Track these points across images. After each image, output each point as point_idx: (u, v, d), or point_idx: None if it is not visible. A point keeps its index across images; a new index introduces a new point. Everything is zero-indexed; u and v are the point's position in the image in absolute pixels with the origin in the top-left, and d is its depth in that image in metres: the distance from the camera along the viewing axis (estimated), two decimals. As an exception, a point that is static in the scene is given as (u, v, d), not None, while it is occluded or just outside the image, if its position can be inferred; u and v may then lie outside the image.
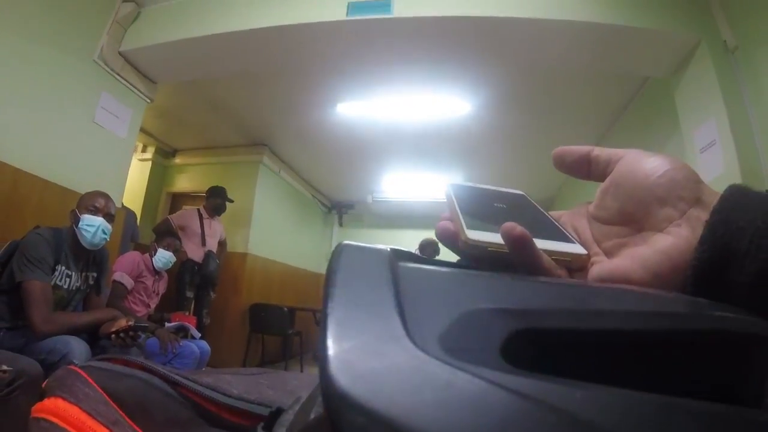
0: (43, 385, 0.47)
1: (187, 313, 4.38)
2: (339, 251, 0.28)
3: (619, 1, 3.01)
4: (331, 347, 0.19)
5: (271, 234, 6.89)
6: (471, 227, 0.38)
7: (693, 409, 0.18)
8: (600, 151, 0.43)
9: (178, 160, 6.95)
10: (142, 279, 3.64)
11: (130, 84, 3.78)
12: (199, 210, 5.31)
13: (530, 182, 7.26)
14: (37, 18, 3.00)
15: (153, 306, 3.80)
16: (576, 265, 0.38)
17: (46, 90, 3.09)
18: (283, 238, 7.41)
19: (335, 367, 0.18)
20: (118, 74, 3.64)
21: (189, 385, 0.47)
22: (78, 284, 2.53)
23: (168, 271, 3.93)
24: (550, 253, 0.37)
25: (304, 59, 3.67)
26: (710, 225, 0.32)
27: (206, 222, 5.24)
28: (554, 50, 3.28)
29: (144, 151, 6.57)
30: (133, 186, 5.75)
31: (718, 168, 2.74)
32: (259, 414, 0.45)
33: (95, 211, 2.52)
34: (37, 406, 0.44)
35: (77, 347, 2.14)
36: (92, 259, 2.64)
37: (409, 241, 8.59)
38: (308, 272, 8.46)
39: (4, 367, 1.75)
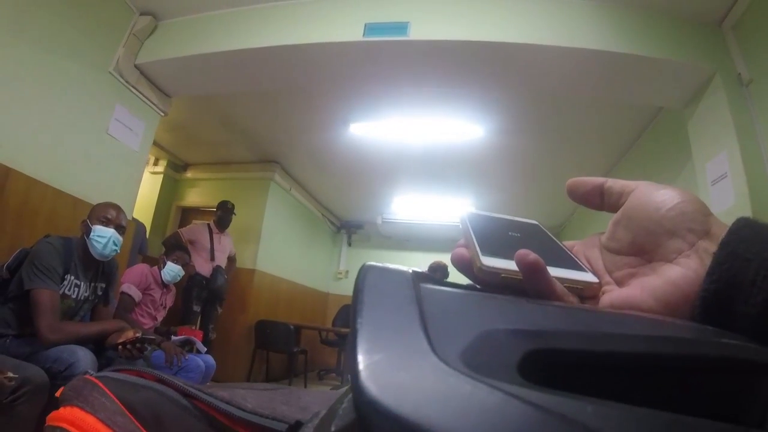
0: (58, 394, 0.47)
1: (193, 327, 4.38)
2: (365, 272, 0.29)
3: (634, 31, 3.02)
4: (362, 360, 0.20)
5: (280, 251, 6.90)
6: (486, 254, 0.39)
7: (700, 427, 0.19)
8: (613, 183, 0.44)
9: (189, 175, 7.00)
10: (150, 291, 3.65)
11: (145, 97, 3.81)
12: (209, 225, 5.34)
13: (542, 208, 7.26)
14: (54, 29, 3.04)
15: (160, 319, 3.80)
16: (588, 293, 0.39)
17: (61, 100, 3.12)
18: (292, 256, 7.42)
19: (366, 377, 0.19)
20: (133, 87, 3.67)
21: (204, 398, 0.47)
22: (86, 294, 2.53)
23: (176, 284, 3.94)
24: (562, 280, 0.38)
25: (319, 78, 3.70)
26: (718, 257, 0.33)
27: (216, 237, 5.26)
28: (568, 77, 3.29)
29: (156, 164, 6.61)
30: (143, 198, 5.78)
31: (728, 200, 2.73)
32: (273, 429, 0.45)
33: (107, 223, 2.53)
34: (53, 414, 0.44)
35: (83, 357, 2.14)
36: (101, 270, 2.64)
37: (418, 263, 8.41)
38: (315, 291, 8.47)
39: (10, 374, 1.75)
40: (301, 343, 6.34)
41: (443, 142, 5.21)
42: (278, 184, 6.76)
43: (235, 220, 5.55)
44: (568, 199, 0.49)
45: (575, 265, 0.41)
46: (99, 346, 2.40)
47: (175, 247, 4.02)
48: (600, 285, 0.40)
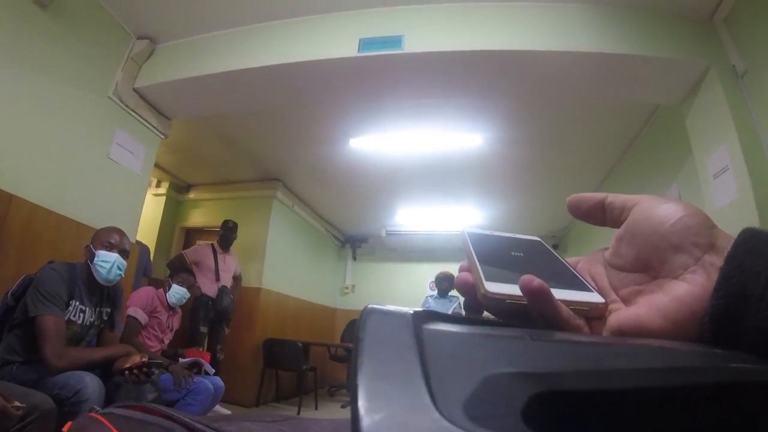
0: (65, 430, 0.47)
1: (201, 349, 4.38)
2: (365, 317, 0.29)
3: (627, 31, 3.04)
4: (364, 419, 0.19)
5: (285, 269, 6.90)
6: (489, 279, 0.38)
7: None
8: (614, 198, 0.43)
9: (191, 195, 7.03)
10: (156, 314, 3.65)
11: (145, 120, 3.84)
12: (213, 245, 5.34)
13: (543, 214, 7.25)
14: (52, 55, 3.07)
15: (167, 341, 3.79)
16: (594, 314, 0.39)
17: (61, 126, 3.14)
18: (297, 273, 7.41)
19: None
20: (133, 110, 3.70)
21: (212, 434, 0.46)
22: (92, 320, 2.53)
23: (182, 306, 3.93)
24: (568, 303, 0.37)
25: (317, 95, 3.72)
26: (725, 271, 0.32)
27: (220, 257, 5.27)
28: (563, 81, 3.30)
29: (158, 186, 6.65)
30: (147, 221, 5.80)
31: (731, 193, 2.72)
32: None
33: (110, 247, 2.53)
34: (61, 452, 0.43)
35: (91, 383, 2.13)
36: (106, 295, 2.64)
37: (423, 273, 8.60)
38: (323, 307, 8.45)
39: (17, 404, 1.74)
40: (310, 361, 6.31)
41: (443, 152, 5.22)
42: (281, 202, 6.77)
43: (239, 239, 5.56)
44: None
45: (580, 285, 0.40)
46: (106, 371, 2.40)
47: (180, 269, 4.02)
48: (606, 305, 0.39)
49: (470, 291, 0.41)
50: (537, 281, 0.35)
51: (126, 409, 0.51)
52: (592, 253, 0.46)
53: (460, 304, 5.92)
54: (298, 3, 3.37)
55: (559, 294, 0.37)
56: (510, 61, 3.15)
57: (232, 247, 5.51)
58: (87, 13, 3.25)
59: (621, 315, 0.37)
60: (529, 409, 0.21)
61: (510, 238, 0.51)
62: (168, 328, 3.77)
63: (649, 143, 4.46)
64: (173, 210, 6.86)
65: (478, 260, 0.42)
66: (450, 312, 5.73)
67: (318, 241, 8.50)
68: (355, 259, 9.74)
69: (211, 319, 5.01)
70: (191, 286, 3.91)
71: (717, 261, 0.34)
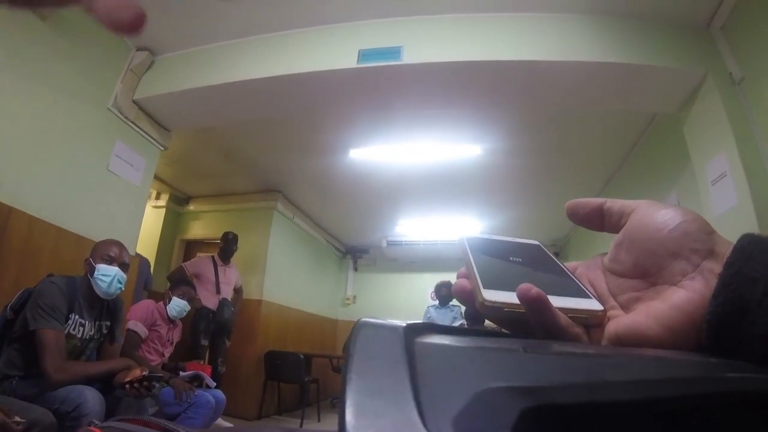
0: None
1: (201, 362, 4.36)
2: (356, 332, 0.29)
3: (624, 40, 3.05)
4: None
5: (286, 280, 6.89)
6: (487, 287, 0.38)
7: None
8: (612, 204, 0.43)
9: (192, 207, 7.04)
10: (157, 327, 3.63)
11: (144, 132, 3.85)
12: (213, 257, 5.33)
13: (543, 222, 7.25)
14: (52, 67, 3.08)
15: (167, 354, 3.77)
16: (593, 322, 0.38)
17: (61, 138, 3.15)
18: (298, 284, 7.40)
19: None
20: (133, 122, 3.71)
21: (209, 447, 0.46)
22: (92, 333, 2.52)
23: (182, 319, 3.91)
24: (566, 311, 0.37)
25: (317, 106, 3.73)
26: (723, 278, 0.32)
27: (221, 269, 5.26)
28: (562, 91, 3.32)
29: (158, 197, 6.65)
30: (146, 233, 5.80)
31: (731, 200, 2.73)
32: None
33: (110, 261, 2.53)
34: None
35: (91, 397, 2.12)
36: (106, 308, 2.63)
37: (424, 284, 8.58)
38: (324, 318, 8.44)
39: (17, 419, 1.73)
40: (312, 372, 6.29)
41: (443, 163, 5.23)
42: (281, 213, 6.78)
43: (240, 251, 5.55)
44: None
45: (579, 292, 0.40)
46: (107, 385, 2.38)
47: (180, 282, 4.01)
48: (605, 313, 0.39)
49: (468, 298, 0.40)
50: (535, 290, 0.35)
51: (124, 422, 0.50)
52: (591, 258, 0.46)
53: (461, 312, 5.91)
54: (297, 15, 3.39)
55: (558, 302, 0.37)
56: (509, 72, 3.16)
57: (233, 259, 5.49)
58: (87, 24, 3.26)
59: (619, 323, 0.37)
60: (521, 423, 0.20)
61: (509, 242, 0.50)
62: (168, 341, 3.76)
63: (647, 151, 4.47)
64: (173, 222, 6.86)
65: (476, 267, 0.41)
66: (451, 321, 5.75)
67: (319, 252, 8.50)
68: (356, 270, 9.73)
69: (212, 332, 5.00)
70: (192, 299, 3.90)
71: (716, 267, 0.33)
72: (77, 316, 2.40)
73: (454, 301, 5.94)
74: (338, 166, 5.53)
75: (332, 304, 9.08)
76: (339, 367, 7.27)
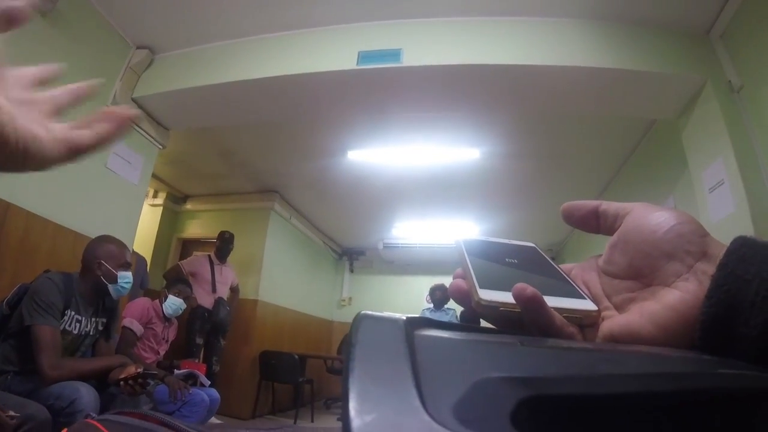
0: (60, 437, 0.47)
1: (196, 361, 4.34)
2: (357, 323, 0.29)
3: (624, 46, 3.06)
4: (354, 420, 0.20)
5: (282, 281, 6.89)
6: (483, 286, 0.39)
7: None
8: (607, 206, 0.43)
9: (189, 206, 7.02)
10: (152, 325, 3.63)
11: (143, 130, 3.84)
12: (209, 256, 5.33)
13: (540, 227, 7.27)
14: (51, 63, 3.05)
15: (162, 353, 3.77)
16: (587, 322, 0.39)
17: (60, 135, 3.12)
18: (294, 285, 7.40)
19: None
20: (131, 120, 3.67)
21: (208, 441, 0.46)
22: (87, 330, 2.51)
23: (178, 317, 3.91)
24: (561, 311, 0.37)
25: (315, 107, 3.73)
26: (716, 279, 0.32)
27: (217, 268, 5.26)
28: (561, 96, 3.33)
29: (155, 196, 6.64)
30: (143, 231, 5.78)
31: (728, 207, 2.73)
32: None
33: (128, 267, 2.59)
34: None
35: (86, 394, 2.11)
36: (102, 305, 2.63)
37: (420, 286, 8.58)
38: (320, 319, 8.43)
39: (11, 413, 1.73)
40: (306, 373, 6.28)
41: (441, 166, 5.24)
42: (278, 214, 6.78)
43: (236, 251, 5.55)
44: (566, 219, 0.49)
45: (574, 293, 0.41)
46: (101, 382, 2.38)
47: (177, 281, 4.00)
48: (599, 313, 0.39)
49: (464, 298, 0.41)
50: (530, 289, 0.35)
51: (123, 415, 0.51)
52: (586, 260, 0.46)
53: (456, 315, 5.92)
54: (297, 15, 3.39)
55: (553, 302, 0.37)
56: (508, 76, 3.17)
57: (229, 259, 5.49)
58: (87, 21, 3.26)
59: (613, 322, 0.37)
60: (519, 413, 0.21)
61: (505, 244, 0.51)
62: (164, 339, 3.75)
63: (645, 157, 4.48)
64: (170, 221, 6.85)
65: (472, 267, 0.42)
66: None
67: (315, 253, 8.50)
68: (352, 271, 9.73)
69: (207, 331, 4.99)
70: (188, 298, 3.89)
71: (709, 269, 0.34)
72: (73, 313, 2.40)
73: (451, 304, 5.95)
74: (336, 168, 5.53)
75: (328, 305, 9.07)
76: (334, 368, 7.28)
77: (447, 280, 0.43)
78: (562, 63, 3.05)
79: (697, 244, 0.36)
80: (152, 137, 3.94)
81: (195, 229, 6.90)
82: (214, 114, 3.94)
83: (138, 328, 3.48)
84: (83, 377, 2.26)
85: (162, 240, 6.61)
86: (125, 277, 2.55)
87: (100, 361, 2.49)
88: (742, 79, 2.87)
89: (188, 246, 6.93)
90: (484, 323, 0.41)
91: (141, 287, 4.79)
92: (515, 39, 3.15)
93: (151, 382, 2.41)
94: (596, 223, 0.44)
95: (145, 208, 5.32)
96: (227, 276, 5.38)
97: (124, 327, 3.39)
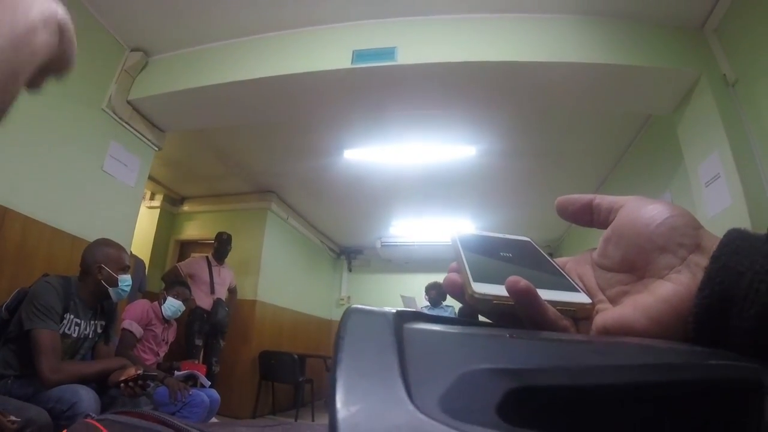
0: (61, 438, 0.47)
1: (196, 362, 4.34)
2: (347, 317, 0.29)
3: (619, 41, 3.06)
4: (340, 411, 0.20)
5: (280, 281, 6.88)
6: (477, 280, 0.38)
7: None
8: (601, 200, 0.43)
9: (186, 208, 7.01)
10: (151, 327, 3.62)
11: (139, 132, 3.83)
12: (207, 257, 5.33)
13: (537, 223, 7.27)
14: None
15: (162, 354, 3.77)
16: (581, 315, 0.39)
17: (55, 139, 3.13)
18: (293, 285, 7.40)
19: (343, 429, 0.19)
20: (127, 123, 3.69)
21: (207, 438, 0.47)
22: (87, 333, 2.51)
23: (177, 319, 3.91)
24: (554, 303, 0.37)
25: (311, 107, 3.73)
26: (710, 271, 0.32)
27: (215, 269, 5.25)
28: (556, 92, 3.33)
29: (152, 198, 6.63)
30: (141, 233, 5.76)
31: (725, 201, 2.74)
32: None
33: (127, 270, 2.59)
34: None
35: (86, 396, 2.11)
36: (101, 308, 2.63)
37: (418, 284, 8.54)
38: (319, 319, 8.42)
39: (12, 418, 1.73)
40: (306, 373, 6.28)
41: (437, 164, 5.24)
42: (275, 214, 6.77)
43: (234, 252, 5.55)
44: (563, 215, 0.49)
45: (568, 286, 0.40)
46: (101, 384, 2.38)
47: (175, 283, 4.00)
48: (593, 306, 0.39)
49: (458, 292, 0.41)
50: (523, 282, 0.35)
51: (122, 414, 0.51)
52: (580, 254, 0.46)
53: (454, 313, 5.91)
54: (291, 15, 3.38)
55: (546, 295, 0.37)
56: (502, 72, 3.17)
57: (227, 260, 5.49)
58: (80, 25, 3.20)
59: (607, 315, 0.37)
60: (506, 404, 0.21)
61: (500, 238, 0.51)
62: (163, 341, 3.75)
63: (641, 152, 4.49)
64: (167, 223, 6.85)
65: (467, 261, 0.42)
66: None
67: (313, 253, 8.49)
68: (350, 270, 9.74)
69: (206, 332, 4.99)
70: (186, 299, 3.89)
71: (702, 261, 0.34)
72: (72, 316, 2.40)
73: (449, 301, 5.96)
74: (332, 167, 5.53)
75: (327, 304, 9.07)
76: (333, 367, 7.25)
77: (444, 277, 0.43)
78: (556, 59, 3.05)
79: (691, 236, 0.36)
80: (148, 139, 3.93)
81: (192, 230, 6.89)
82: (209, 115, 3.93)
83: (137, 330, 3.48)
84: (83, 380, 2.26)
85: (160, 242, 6.60)
86: (125, 280, 2.55)
87: (100, 363, 2.49)
88: (737, 73, 2.88)
89: (186, 248, 6.91)
90: (482, 319, 0.41)
91: (139, 290, 4.79)
92: (509, 36, 3.15)
93: (151, 384, 2.41)
94: (590, 217, 0.44)
95: (143, 211, 5.32)
96: (225, 277, 5.38)
97: (123, 329, 3.38)
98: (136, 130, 3.79)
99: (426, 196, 6.34)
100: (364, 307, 0.31)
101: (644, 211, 0.39)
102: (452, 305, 6.03)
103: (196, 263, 5.28)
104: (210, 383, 3.71)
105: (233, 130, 4.85)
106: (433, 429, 0.19)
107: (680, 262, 0.35)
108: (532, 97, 3.43)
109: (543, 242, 8.12)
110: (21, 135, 2.89)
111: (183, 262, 5.40)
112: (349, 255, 9.70)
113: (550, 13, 3.16)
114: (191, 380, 3.50)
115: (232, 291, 5.52)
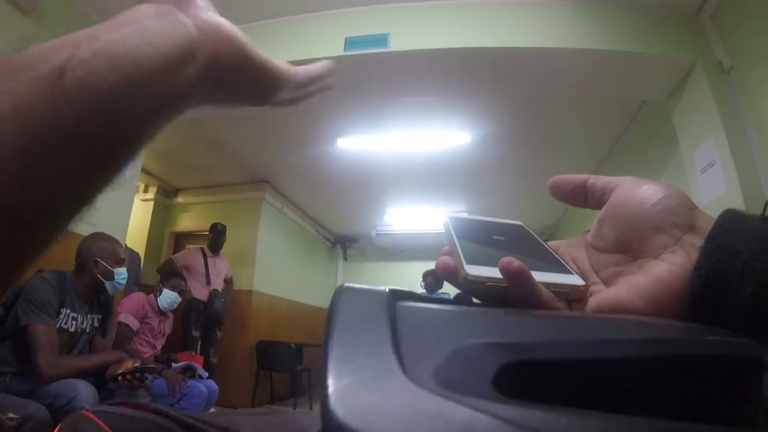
0: (56, 431, 0.47)
1: (193, 353, 4.36)
2: (338, 294, 0.29)
3: (614, 27, 3.05)
4: (331, 384, 0.20)
5: (276, 271, 6.89)
6: (470, 262, 0.38)
7: None
8: (595, 180, 0.43)
9: (180, 200, 6.99)
10: (148, 320, 3.62)
11: (131, 125, 3.78)
12: (202, 249, 5.33)
13: (533, 210, 7.29)
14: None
15: (159, 347, 3.77)
16: (575, 296, 0.39)
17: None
18: (289, 275, 7.41)
19: (334, 401, 0.19)
20: (117, 114, 3.65)
21: (202, 427, 0.46)
22: (83, 327, 2.51)
23: (173, 311, 3.91)
24: (548, 285, 0.37)
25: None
26: (705, 251, 0.32)
27: (210, 260, 5.25)
28: (550, 78, 3.32)
29: (146, 191, 6.59)
30: (135, 226, 5.74)
31: (720, 188, 2.74)
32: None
33: (122, 262, 2.60)
34: (51, 450, 0.43)
35: (84, 391, 2.12)
36: (97, 302, 2.63)
37: (414, 272, 8.58)
38: (315, 308, 8.43)
39: (11, 415, 1.73)
40: (304, 362, 6.30)
41: (432, 151, 5.23)
42: (270, 204, 6.76)
43: (230, 242, 5.54)
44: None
45: (561, 268, 0.40)
46: (99, 378, 2.38)
47: (171, 275, 4.00)
48: (587, 287, 0.39)
49: (451, 274, 0.40)
50: (516, 263, 0.35)
51: (118, 406, 0.51)
52: (574, 237, 0.46)
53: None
54: (283, 3, 3.35)
55: (540, 276, 0.37)
56: (496, 59, 3.16)
57: (223, 251, 5.49)
58: (71, 19, 3.20)
59: (601, 296, 0.37)
60: (502, 378, 0.21)
61: (492, 222, 0.51)
62: (160, 333, 3.75)
63: (636, 139, 4.49)
64: (162, 215, 6.82)
65: (459, 243, 0.42)
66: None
67: (308, 242, 8.50)
68: (346, 259, 9.76)
69: (203, 323, 5.00)
70: (182, 291, 3.89)
71: (697, 241, 0.34)
72: (69, 311, 2.40)
73: (446, 288, 5.97)
74: (326, 156, 5.51)
75: (323, 293, 9.07)
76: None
77: (440, 265, 0.43)
78: (550, 45, 3.04)
79: (685, 216, 0.36)
80: (140, 131, 3.89)
81: (187, 222, 6.87)
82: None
83: (134, 323, 3.47)
84: (81, 374, 2.27)
85: (154, 235, 6.57)
86: (121, 274, 2.56)
87: (97, 357, 2.49)
88: (732, 60, 2.87)
89: (181, 240, 6.90)
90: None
91: (135, 283, 4.78)
92: (503, 22, 3.14)
93: (149, 376, 2.42)
94: (584, 198, 0.44)
95: (136, 204, 5.30)
96: (221, 268, 5.38)
97: (119, 323, 3.38)
98: (127, 122, 3.75)
99: (420, 183, 6.34)
100: (355, 285, 0.31)
101: (639, 191, 0.39)
102: (448, 293, 6.05)
103: (191, 255, 5.28)
104: (208, 374, 3.72)
105: (225, 120, 4.82)
106: (424, 398, 0.19)
107: (675, 242, 0.35)
108: (526, 83, 3.42)
109: (538, 229, 8.09)
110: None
111: (178, 254, 5.40)
112: (345, 244, 9.71)
113: (543, -2, 3.15)
114: (189, 372, 3.51)
115: (228, 282, 5.53)
